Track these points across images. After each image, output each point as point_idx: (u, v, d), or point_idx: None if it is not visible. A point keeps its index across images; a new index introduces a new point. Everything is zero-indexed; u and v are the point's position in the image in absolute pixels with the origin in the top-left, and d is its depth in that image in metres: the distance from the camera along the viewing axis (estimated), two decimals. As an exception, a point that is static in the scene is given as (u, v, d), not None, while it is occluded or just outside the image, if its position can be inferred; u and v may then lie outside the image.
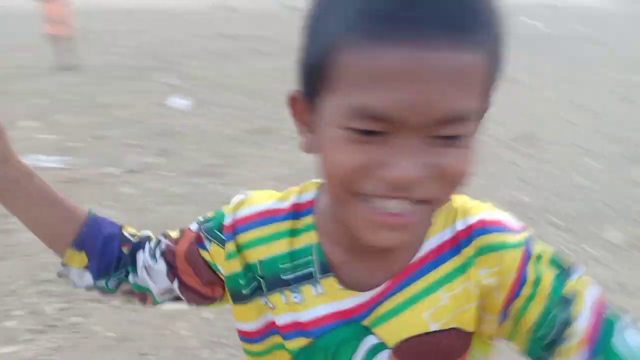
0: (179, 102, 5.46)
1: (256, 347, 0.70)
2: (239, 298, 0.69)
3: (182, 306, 2.34)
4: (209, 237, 0.71)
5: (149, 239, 0.77)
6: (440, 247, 0.62)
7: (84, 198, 3.58)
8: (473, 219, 0.61)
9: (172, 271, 0.74)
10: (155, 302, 0.77)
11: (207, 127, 4.90)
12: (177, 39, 9.54)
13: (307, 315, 0.65)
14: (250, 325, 0.69)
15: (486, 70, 0.48)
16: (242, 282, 0.68)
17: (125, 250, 0.75)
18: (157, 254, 0.74)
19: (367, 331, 0.63)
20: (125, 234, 0.76)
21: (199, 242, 0.72)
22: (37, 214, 0.73)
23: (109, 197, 3.60)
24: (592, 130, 5.12)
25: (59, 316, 2.42)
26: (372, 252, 0.61)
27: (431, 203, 0.52)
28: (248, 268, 0.68)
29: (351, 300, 0.62)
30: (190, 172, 3.96)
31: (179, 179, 3.85)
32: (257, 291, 0.68)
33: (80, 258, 0.74)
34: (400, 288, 0.62)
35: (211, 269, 0.72)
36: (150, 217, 3.28)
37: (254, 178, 3.83)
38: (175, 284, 0.74)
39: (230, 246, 0.68)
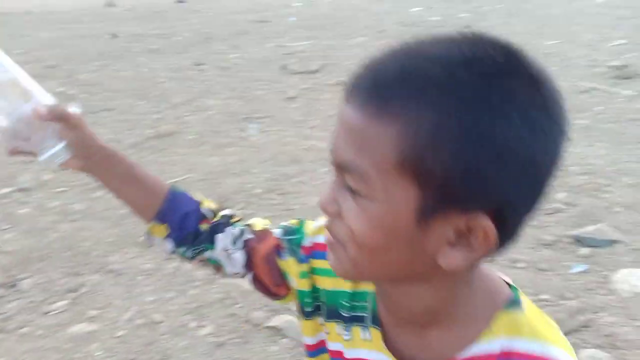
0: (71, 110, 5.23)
1: None
2: (302, 312, 0.77)
3: (93, 328, 2.31)
4: (288, 250, 0.78)
5: (229, 221, 0.83)
6: (488, 357, 0.59)
7: (-25, 223, 3.39)
8: (537, 350, 0.58)
9: (249, 264, 0.81)
10: (226, 276, 0.84)
11: (105, 135, 4.74)
12: (61, 42, 9.04)
13: (351, 353, 0.70)
14: (310, 340, 0.77)
15: (392, 141, 0.49)
16: (307, 300, 0.76)
17: (203, 227, 0.82)
18: (239, 243, 0.81)
19: None
20: (204, 210, 0.83)
21: (278, 250, 0.79)
22: (123, 189, 0.83)
23: (5, 219, 3.42)
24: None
25: (-40, 353, 2.31)
26: (408, 324, 0.64)
27: (341, 245, 0.57)
28: (315, 291, 0.75)
29: None
30: (89, 186, 3.84)
31: (78, 194, 3.73)
32: (317, 311, 0.75)
33: (162, 229, 0.82)
34: None
35: (282, 275, 0.80)
36: (52, 236, 3.17)
37: (158, 186, 3.79)
38: (249, 276, 0.82)
39: (305, 267, 0.75)
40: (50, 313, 2.53)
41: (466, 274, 0.59)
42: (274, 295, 0.82)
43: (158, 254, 2.97)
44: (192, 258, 0.84)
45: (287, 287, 0.80)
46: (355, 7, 13.04)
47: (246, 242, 0.81)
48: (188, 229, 0.81)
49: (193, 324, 2.38)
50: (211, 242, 0.81)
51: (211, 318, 2.41)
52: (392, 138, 0.49)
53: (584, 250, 3.00)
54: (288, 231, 0.80)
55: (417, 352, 0.63)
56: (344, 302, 0.71)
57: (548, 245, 3.09)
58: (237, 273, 0.82)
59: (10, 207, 3.56)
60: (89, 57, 7.89)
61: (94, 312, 2.51)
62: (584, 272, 2.84)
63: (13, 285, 2.74)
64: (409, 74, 0.50)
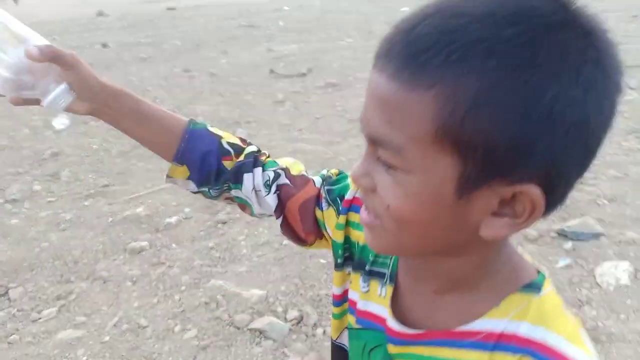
0: (59, 122, 5.26)
1: (337, 310, 0.77)
2: (335, 263, 0.76)
3: (80, 333, 2.32)
4: (329, 200, 0.77)
5: (258, 159, 0.80)
6: (488, 335, 0.56)
7: (-35, 235, 3.41)
8: (538, 336, 0.54)
9: (281, 208, 0.79)
10: (252, 215, 0.83)
11: (94, 145, 4.77)
12: (54, 53, 9.06)
13: (364, 306, 0.69)
14: (337, 290, 0.76)
15: (426, 112, 0.46)
16: (339, 252, 0.74)
17: (227, 164, 0.79)
18: (273, 188, 0.78)
19: (391, 357, 0.64)
20: (226, 146, 0.80)
21: (317, 200, 0.78)
22: (136, 129, 0.79)
23: (-6, 230, 3.45)
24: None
25: (-52, 363, 2.34)
26: (422, 287, 0.62)
27: (378, 219, 0.54)
28: (348, 242, 0.74)
29: (394, 321, 0.64)
30: (79, 195, 3.87)
31: (68, 203, 3.76)
32: (347, 261, 0.75)
33: (182, 170, 0.80)
34: (433, 343, 0.60)
35: (316, 224, 0.79)
36: (42, 245, 3.19)
37: (147, 193, 3.82)
38: (280, 220, 0.80)
39: (342, 219, 0.74)
40: (39, 320, 2.55)
41: (498, 247, 0.57)
42: (301, 241, 0.81)
43: (145, 260, 3.00)
44: (216, 197, 0.82)
45: (316, 235, 0.79)
46: (344, 9, 13.10)
47: (281, 186, 0.79)
48: (209, 167, 0.79)
49: (177, 328, 2.41)
50: (237, 181, 0.79)
51: (195, 322, 2.44)
52: (429, 108, 0.46)
53: (569, 244, 3.03)
54: (330, 181, 0.79)
55: (423, 316, 0.62)
56: (370, 257, 0.70)
57: (533, 240, 3.11)
58: (264, 214, 0.81)
59: (1, 219, 3.58)
60: (80, 67, 7.90)
61: (81, 319, 2.53)
62: (569, 265, 2.87)
63: (3, 295, 2.76)
64: (446, 35, 0.45)
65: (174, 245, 3.12)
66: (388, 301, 0.65)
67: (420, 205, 0.50)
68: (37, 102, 0.79)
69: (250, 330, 2.36)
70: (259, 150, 0.82)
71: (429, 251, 0.57)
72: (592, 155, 0.50)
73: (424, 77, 0.46)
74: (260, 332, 2.34)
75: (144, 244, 3.13)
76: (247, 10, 13.79)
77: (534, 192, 0.48)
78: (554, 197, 0.50)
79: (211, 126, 0.83)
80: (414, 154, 0.48)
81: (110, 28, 11.80)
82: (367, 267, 0.70)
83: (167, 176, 0.82)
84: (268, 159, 0.82)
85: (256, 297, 2.56)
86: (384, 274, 0.67)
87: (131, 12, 14.27)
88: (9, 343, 2.41)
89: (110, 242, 3.19)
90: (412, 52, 0.47)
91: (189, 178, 0.80)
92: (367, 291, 0.69)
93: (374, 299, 0.68)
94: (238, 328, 2.38)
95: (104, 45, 9.43)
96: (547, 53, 0.45)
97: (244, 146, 0.82)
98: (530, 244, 3.09)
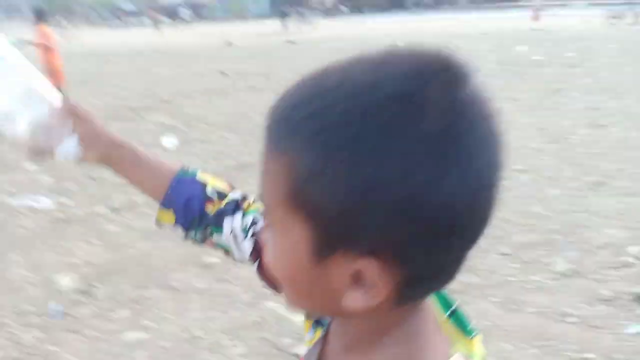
0: (168, 141, 5.77)
1: None
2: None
3: (143, 335, 2.56)
4: None
5: (239, 205, 0.83)
6: None
7: (72, 236, 3.88)
8: None
9: (257, 253, 0.79)
10: (235, 260, 0.85)
11: (193, 164, 5.15)
12: (177, 78, 9.96)
13: (305, 351, 0.69)
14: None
15: (280, 177, 0.48)
16: None
17: (209, 209, 0.82)
18: (250, 232, 0.80)
19: None
20: (209, 192, 0.83)
21: None
22: (133, 177, 0.85)
23: (94, 234, 3.88)
24: (557, 158, 5.30)
25: (36, 345, 2.68)
26: (333, 339, 0.63)
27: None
28: None
29: None
30: (171, 210, 4.23)
31: (160, 216, 4.12)
32: None
33: (169, 215, 0.83)
34: None
35: None
36: (129, 252, 3.55)
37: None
38: (255, 265, 0.80)
39: None
40: (113, 319, 2.85)
41: (391, 318, 0.54)
42: (278, 288, 0.83)
43: (213, 275, 3.23)
44: (202, 242, 0.85)
45: None
46: (459, 47, 13.00)
47: (257, 232, 0.80)
48: (193, 213, 0.82)
49: (228, 343, 2.58)
50: (218, 226, 0.82)
51: (245, 339, 2.60)
52: (282, 173, 0.48)
53: (645, 310, 2.82)
54: None
55: None
56: None
57: (606, 301, 2.94)
58: (244, 260, 0.83)
59: (101, 225, 4.03)
60: (197, 92, 8.60)
61: (148, 323, 2.79)
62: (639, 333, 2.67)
63: (89, 293, 3.12)
64: (295, 106, 0.47)
65: (241, 264, 3.32)
66: (305, 350, 0.65)
67: (285, 265, 0.52)
68: (51, 152, 0.86)
69: (292, 355, 2.47)
70: (243, 198, 0.85)
71: (317, 310, 0.57)
72: (453, 234, 0.47)
73: (279, 144, 0.48)
74: (299, 358, 2.43)
75: (216, 260, 3.37)
76: (362, 46, 14.11)
77: (371, 267, 0.47)
78: (413, 274, 0.48)
79: (202, 172, 0.87)
80: (275, 215, 0.50)
81: (232, 57, 12.68)
82: (314, 316, 0.70)
83: (156, 220, 0.86)
84: (251, 206, 0.84)
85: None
86: (325, 322, 0.67)
87: (255, 44, 15.17)
88: (83, 335, 2.72)
89: (187, 255, 3.47)
90: (276, 119, 0.49)
91: (175, 223, 0.84)
92: (312, 338, 0.68)
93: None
94: (281, 350, 2.50)
95: (223, 74, 10.16)
96: (371, 129, 0.44)
97: (227, 190, 0.85)
98: (602, 304, 2.91)
